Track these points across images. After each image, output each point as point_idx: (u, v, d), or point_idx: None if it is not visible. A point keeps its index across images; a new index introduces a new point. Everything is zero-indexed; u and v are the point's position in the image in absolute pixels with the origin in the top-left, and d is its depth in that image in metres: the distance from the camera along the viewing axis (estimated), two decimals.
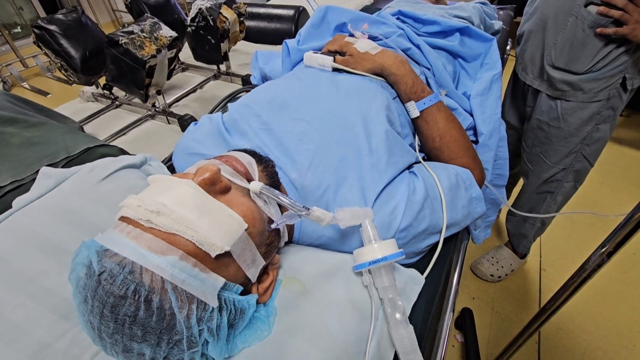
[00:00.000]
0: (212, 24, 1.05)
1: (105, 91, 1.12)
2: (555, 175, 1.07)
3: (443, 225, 0.54)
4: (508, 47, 1.46)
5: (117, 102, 1.13)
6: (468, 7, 1.08)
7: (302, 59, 0.73)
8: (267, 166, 0.45)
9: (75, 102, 1.20)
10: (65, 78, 1.03)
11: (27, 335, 0.37)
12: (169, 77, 1.05)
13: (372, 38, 0.78)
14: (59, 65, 1.01)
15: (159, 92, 1.02)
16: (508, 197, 1.45)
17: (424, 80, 0.76)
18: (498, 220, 1.66)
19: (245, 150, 0.46)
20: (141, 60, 0.85)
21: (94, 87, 1.15)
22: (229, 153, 0.44)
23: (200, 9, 1.04)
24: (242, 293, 0.39)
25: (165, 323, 0.31)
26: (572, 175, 1.05)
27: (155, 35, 0.88)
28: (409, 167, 0.60)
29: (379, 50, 0.67)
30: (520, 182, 1.23)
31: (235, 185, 0.40)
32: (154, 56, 0.86)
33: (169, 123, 1.06)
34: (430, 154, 0.68)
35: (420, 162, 0.63)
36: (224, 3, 1.08)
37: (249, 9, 1.50)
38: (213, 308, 0.33)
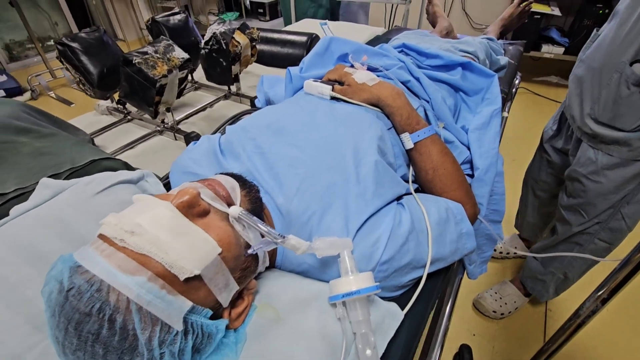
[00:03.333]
0: (224, 47, 1.10)
1: (119, 105, 1.17)
2: (588, 229, 1.00)
3: (427, 260, 0.53)
4: (517, 81, 1.47)
5: (129, 117, 1.18)
6: (474, 42, 1.10)
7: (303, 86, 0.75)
8: (250, 191, 0.46)
9: (90, 114, 1.25)
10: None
11: (3, 346, 0.38)
12: (180, 95, 1.09)
13: (373, 69, 0.81)
14: (78, 79, 1.07)
15: (168, 110, 1.05)
16: (538, 240, 1.42)
17: (423, 112, 0.77)
18: (503, 255, 1.61)
19: (231, 175, 0.48)
20: (152, 80, 0.89)
21: (109, 101, 1.20)
22: (214, 176, 0.46)
23: (214, 33, 1.09)
24: (213, 317, 0.39)
25: (128, 343, 0.31)
26: (606, 233, 0.98)
27: (168, 56, 0.92)
28: (399, 198, 0.60)
29: (376, 82, 0.69)
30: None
31: (214, 209, 0.40)
32: (164, 76, 0.90)
33: (176, 139, 1.09)
34: (423, 186, 0.68)
35: (411, 193, 0.63)
36: (238, 28, 1.13)
37: (264, 34, 1.56)
38: (177, 331, 0.34)
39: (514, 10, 1.41)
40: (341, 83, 0.72)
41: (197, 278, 0.35)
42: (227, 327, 0.41)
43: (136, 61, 0.88)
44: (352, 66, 0.78)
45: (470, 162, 0.77)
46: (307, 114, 0.65)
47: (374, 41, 1.75)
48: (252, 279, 0.45)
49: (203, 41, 1.12)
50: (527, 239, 1.54)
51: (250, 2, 3.87)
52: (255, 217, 0.42)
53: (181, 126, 1.15)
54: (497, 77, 1.01)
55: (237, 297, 0.44)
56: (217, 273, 0.37)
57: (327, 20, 2.06)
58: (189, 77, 1.37)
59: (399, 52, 0.96)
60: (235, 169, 0.57)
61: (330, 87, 0.70)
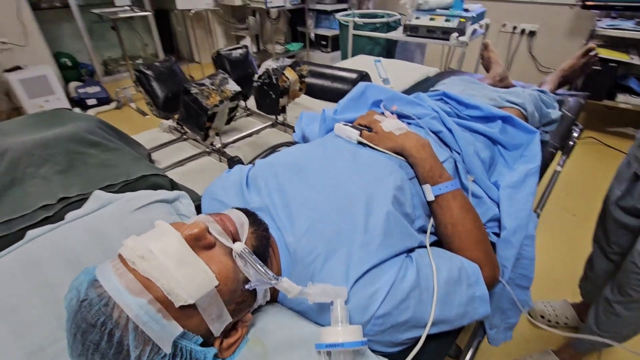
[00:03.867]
0: (274, 82, 1.19)
1: (178, 126, 1.31)
2: None
3: (429, 321, 0.52)
4: (575, 134, 1.37)
5: (185, 137, 1.31)
6: (523, 94, 1.07)
7: None
8: (258, 229, 0.50)
9: (155, 130, 1.41)
10: None
11: (31, 336, 0.45)
12: (229, 122, 1.19)
13: (405, 117, 0.82)
14: (147, 101, 1.22)
15: (217, 134, 1.16)
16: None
17: (452, 164, 0.76)
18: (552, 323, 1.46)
19: (244, 211, 0.52)
20: (205, 108, 0.99)
21: (170, 121, 1.34)
22: (227, 211, 0.50)
23: (267, 68, 1.19)
24: (204, 344, 0.42)
25: (121, 357, 0.35)
26: None
27: (221, 88, 1.03)
28: (412, 250, 0.60)
29: (403, 131, 0.70)
30: None
31: (219, 243, 0.44)
32: (216, 105, 1.00)
33: (220, 161, 1.18)
34: (442, 241, 0.67)
35: (425, 247, 0.62)
36: (289, 65, 1.22)
37: (317, 69, 1.65)
38: (166, 354, 0.37)
39: (575, 62, 1.34)
40: (370, 129, 0.74)
41: (192, 307, 0.39)
42: (217, 356, 0.44)
43: (193, 91, 0.99)
44: (383, 113, 0.81)
45: (498, 220, 0.74)
46: (329, 156, 0.68)
47: (425, 82, 1.76)
48: (248, 312, 0.48)
49: (257, 75, 1.22)
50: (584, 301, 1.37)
51: (315, 34, 4.11)
52: (255, 256, 0.45)
53: (228, 149, 1.24)
54: (545, 132, 0.97)
55: (232, 328, 0.47)
56: (211, 304, 0.41)
57: (381, 58, 2.13)
58: (242, 104, 1.50)
59: (438, 99, 0.97)
60: (256, 202, 0.61)
61: (358, 132, 0.72)
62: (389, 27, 2.43)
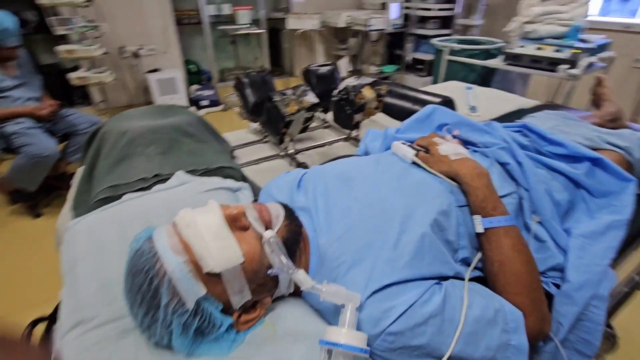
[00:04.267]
0: (351, 98, 1.24)
1: (261, 129, 1.46)
2: None
3: (447, 354, 0.49)
4: None
5: (266, 139, 1.45)
6: (632, 137, 0.93)
7: None
8: (291, 223, 0.54)
9: (243, 130, 1.59)
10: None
11: (106, 271, 0.56)
12: (304, 130, 1.29)
13: (471, 145, 0.79)
14: (241, 104, 1.39)
15: (291, 140, 1.26)
16: None
17: (516, 200, 0.70)
18: None
19: (283, 206, 0.57)
20: (283, 115, 1.10)
21: (257, 124, 1.50)
22: (268, 203, 0.56)
23: (347, 85, 1.26)
24: (223, 313, 0.47)
25: (154, 302, 0.43)
26: None
27: (301, 99, 1.12)
28: (445, 278, 0.57)
29: (461, 157, 0.68)
30: None
31: (253, 228, 0.50)
32: (293, 114, 1.10)
33: (290, 165, 1.28)
34: (487, 278, 0.62)
35: (462, 279, 0.59)
36: (368, 84, 1.26)
37: (399, 89, 1.66)
38: (188, 309, 0.44)
39: None
40: (428, 151, 0.73)
41: (217, 276, 0.45)
42: (232, 326, 0.49)
43: (276, 99, 1.10)
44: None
45: (562, 270, 0.65)
46: (378, 172, 0.69)
47: (516, 113, 1.62)
48: (268, 296, 0.52)
49: (336, 90, 1.29)
50: None
51: (413, 58, 4.10)
52: (282, 246, 0.49)
53: (299, 155, 1.34)
54: None
55: (251, 307, 0.51)
56: (234, 278, 0.46)
57: (474, 86, 2.03)
58: (322, 116, 1.59)
59: (516, 131, 0.90)
60: (301, 202, 0.66)
61: (414, 152, 0.72)
62: (488, 54, 2.31)
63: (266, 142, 1.46)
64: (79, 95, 3.50)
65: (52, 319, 0.62)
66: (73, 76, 2.62)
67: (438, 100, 1.59)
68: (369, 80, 1.28)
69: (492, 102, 1.84)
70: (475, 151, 0.78)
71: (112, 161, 0.99)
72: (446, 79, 2.32)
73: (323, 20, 3.99)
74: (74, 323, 0.52)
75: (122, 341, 0.48)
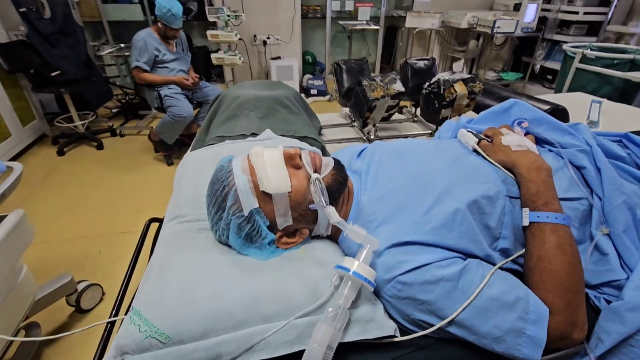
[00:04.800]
0: (441, 92, 1.25)
1: (350, 114, 1.57)
2: None
3: (450, 317, 0.52)
4: None
5: (353, 124, 1.55)
6: None
7: None
8: (338, 175, 0.63)
9: (335, 114, 1.73)
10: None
11: (197, 189, 0.75)
12: (387, 119, 1.34)
13: (547, 143, 0.75)
14: (335, 89, 1.52)
15: (374, 125, 1.33)
16: None
17: (586, 207, 0.66)
18: None
19: (335, 160, 0.66)
20: (368, 99, 1.18)
21: (348, 109, 1.62)
22: (324, 156, 0.66)
23: (439, 79, 1.27)
24: (270, 229, 0.60)
25: (223, 204, 0.58)
26: None
27: (388, 86, 1.19)
28: (473, 256, 0.59)
29: (522, 149, 0.67)
30: None
31: (304, 169, 0.61)
32: (377, 99, 1.17)
33: None
34: (524, 272, 0.61)
35: (494, 265, 0.59)
36: (462, 80, 1.25)
37: (497, 90, 1.56)
38: (244, 215, 0.57)
39: None
40: (492, 140, 0.73)
41: (269, 196, 0.58)
42: (273, 242, 0.61)
43: (364, 83, 1.19)
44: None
45: (619, 289, 0.59)
46: (435, 152, 0.73)
47: None
48: (307, 228, 0.63)
49: (428, 83, 1.31)
50: None
51: (541, 67, 3.66)
52: (324, 188, 0.59)
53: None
54: None
55: (292, 233, 0.63)
56: (281, 202, 0.58)
57: (603, 100, 1.77)
58: (412, 110, 1.61)
59: (616, 141, 0.80)
60: (357, 166, 0.75)
61: (477, 140, 0.73)
62: (634, 65, 1.93)
63: (352, 126, 1.56)
64: (216, 73, 4.18)
65: (162, 220, 0.85)
66: (214, 56, 3.16)
67: (547, 107, 1.46)
68: (465, 75, 1.27)
69: (621, 119, 1.58)
70: (550, 150, 0.74)
71: (224, 118, 1.23)
72: (571, 90, 2.04)
73: (444, 20, 3.86)
74: (173, 217, 0.73)
75: (200, 234, 0.66)
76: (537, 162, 0.64)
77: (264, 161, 0.59)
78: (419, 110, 1.62)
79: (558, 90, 2.30)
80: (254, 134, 1.11)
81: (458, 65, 4.03)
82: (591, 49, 2.07)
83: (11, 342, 1.19)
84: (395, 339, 0.54)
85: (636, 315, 0.55)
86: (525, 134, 0.75)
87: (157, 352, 0.47)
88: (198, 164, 0.84)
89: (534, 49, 3.63)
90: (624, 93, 2.04)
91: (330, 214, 0.57)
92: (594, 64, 2.04)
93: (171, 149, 2.65)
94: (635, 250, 0.62)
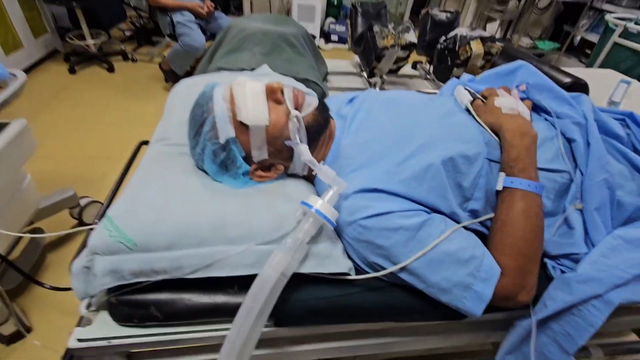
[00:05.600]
0: (456, 49, 1.18)
1: (360, 60, 1.50)
2: None
3: (403, 263, 0.54)
4: None
5: (361, 74, 1.50)
6: None
7: None
8: (320, 114, 0.63)
9: (346, 61, 1.65)
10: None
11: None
12: (396, 71, 1.29)
13: (543, 110, 0.72)
14: (348, 33, 1.45)
15: (381, 76, 1.28)
16: None
17: (566, 181, 0.65)
18: None
19: (322, 101, 0.65)
20: (376, 47, 1.13)
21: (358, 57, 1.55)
22: (308, 93, 0.65)
23: (456, 34, 1.19)
24: (245, 160, 0.61)
25: (201, 129, 0.59)
26: None
27: (400, 35, 1.13)
28: (440, 212, 0.60)
29: (513, 112, 0.65)
30: None
31: (285, 105, 0.61)
32: (386, 48, 1.12)
33: None
34: (488, 234, 0.62)
35: (458, 224, 0.60)
36: (480, 37, 1.17)
37: (517, 54, 1.47)
38: (219, 142, 0.59)
39: None
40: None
41: (246, 127, 0.58)
42: (247, 173, 0.63)
43: (375, 30, 1.13)
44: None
45: (577, 262, 0.61)
46: (426, 106, 0.71)
47: None
48: (282, 163, 0.64)
49: (443, 38, 1.23)
50: None
51: (582, 38, 3.38)
52: (302, 127, 0.59)
53: None
54: None
55: (268, 168, 0.64)
56: (258, 135, 0.59)
57: (633, 81, 1.65)
58: (427, 67, 1.54)
59: (619, 119, 0.77)
60: (345, 111, 0.74)
61: (470, 99, 0.71)
62: None
63: (361, 76, 1.51)
64: (235, 5, 3.97)
65: None
66: None
67: (568, 80, 1.38)
68: (485, 34, 1.19)
69: None
70: (546, 119, 0.72)
71: (227, 50, 1.19)
72: (603, 66, 1.90)
73: None
74: (159, 138, 0.74)
75: (180, 158, 0.68)
76: (523, 127, 0.62)
77: (245, 91, 0.59)
78: (432, 68, 1.55)
79: (590, 64, 2.14)
80: (253, 70, 1.08)
81: (492, 27, 3.74)
82: (636, 23, 1.88)
83: (17, 241, 1.30)
84: (349, 277, 0.57)
85: (584, 287, 0.57)
86: (524, 99, 0.72)
87: (124, 256, 0.51)
88: (191, 91, 0.84)
89: (578, 18, 3.32)
90: None
91: (302, 152, 0.57)
92: (635, 39, 1.87)
93: (181, 80, 2.62)
94: (604, 229, 0.62)
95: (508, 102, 0.66)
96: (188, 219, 0.54)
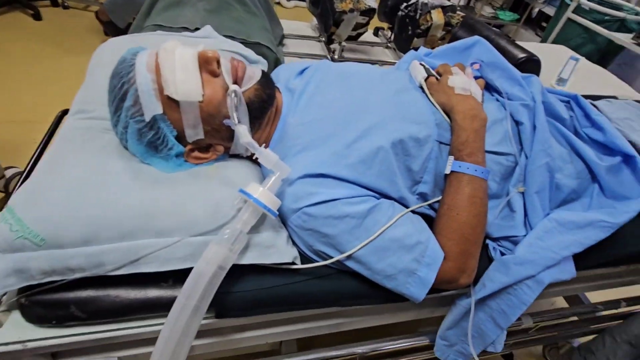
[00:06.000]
0: (417, 17, 1.13)
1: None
2: None
3: (348, 252, 0.53)
4: None
5: (321, 39, 1.41)
6: None
7: None
8: (264, 89, 0.57)
9: (305, 24, 1.54)
10: None
11: None
12: (356, 38, 1.22)
13: (494, 90, 0.71)
14: None
15: (340, 43, 1.21)
16: None
17: (511, 164, 0.65)
18: None
19: (266, 74, 0.59)
20: (334, 10, 1.04)
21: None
22: (250, 65, 0.58)
23: (417, 1, 1.13)
24: (178, 141, 0.55)
25: (122, 104, 0.51)
26: None
27: None
28: (389, 198, 0.58)
29: (466, 93, 0.63)
30: None
31: (223, 78, 0.54)
32: (344, 12, 1.04)
33: None
34: (435, 217, 0.62)
35: (406, 208, 0.59)
36: (443, 7, 1.12)
37: (478, 26, 1.45)
38: (144, 120, 0.51)
39: None
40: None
41: (176, 103, 0.51)
42: (181, 155, 0.56)
43: None
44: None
45: (516, 244, 0.63)
46: (379, 82, 0.67)
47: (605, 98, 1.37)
48: (221, 144, 0.58)
49: (404, 4, 1.17)
50: None
51: (540, 11, 3.43)
52: (243, 104, 0.53)
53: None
54: None
55: (206, 149, 0.58)
56: (191, 112, 0.52)
57: (581, 58, 1.71)
58: (388, 34, 1.47)
59: (565, 101, 0.78)
60: (294, 84, 0.68)
61: (425, 75, 0.67)
62: (622, 25, 1.84)
63: (320, 41, 1.41)
64: None
65: None
66: None
67: (522, 55, 1.38)
68: (446, 2, 1.14)
69: (590, 82, 1.56)
70: (497, 100, 0.71)
71: (166, 4, 1.05)
72: (556, 42, 1.95)
73: None
74: (77, 110, 0.64)
75: (103, 135, 0.59)
76: (474, 110, 0.61)
77: (174, 60, 0.51)
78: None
79: (545, 39, 2.19)
80: (197, 29, 0.96)
81: None
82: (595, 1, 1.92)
83: None
84: (294, 267, 0.55)
85: (520, 269, 0.59)
86: (478, 78, 0.71)
87: (31, 253, 0.44)
88: (117, 53, 0.72)
89: None
90: (605, 54, 1.99)
91: (240, 133, 0.51)
92: (586, 16, 1.92)
93: (123, 33, 2.34)
94: (542, 212, 0.64)
95: (461, 82, 0.64)
96: (107, 210, 0.47)
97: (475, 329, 0.64)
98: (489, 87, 0.72)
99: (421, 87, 0.67)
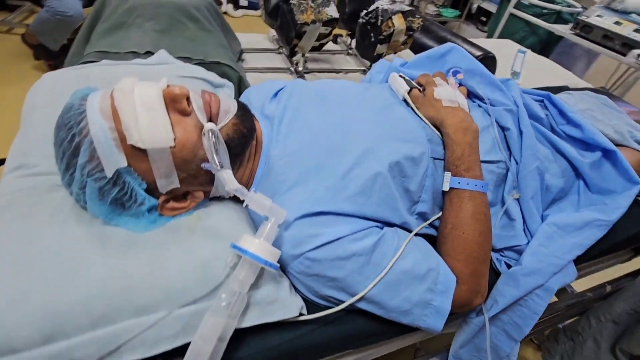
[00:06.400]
0: (378, 24, 1.11)
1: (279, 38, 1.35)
2: None
3: (360, 294, 0.48)
4: None
5: (280, 51, 1.35)
6: None
7: None
8: (242, 124, 0.50)
9: (262, 36, 1.48)
10: None
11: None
12: (319, 49, 1.18)
13: (477, 97, 0.70)
14: (263, 4, 1.27)
15: (303, 55, 1.16)
16: None
17: (502, 171, 0.64)
18: None
19: (242, 106, 0.52)
20: (295, 22, 0.99)
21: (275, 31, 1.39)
22: (223, 96, 0.51)
23: (377, 7, 1.11)
24: (148, 193, 0.46)
25: (74, 160, 0.42)
26: None
27: (319, 9, 1.01)
28: (391, 225, 0.54)
29: (454, 105, 0.60)
30: None
31: (195, 116, 0.46)
32: (307, 24, 0.99)
33: None
34: (438, 239, 0.59)
35: (409, 233, 0.55)
36: (403, 12, 1.11)
37: (435, 29, 1.48)
38: (106, 176, 0.42)
39: None
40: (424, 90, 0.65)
41: (143, 152, 0.43)
42: (156, 209, 0.48)
43: (292, 2, 0.99)
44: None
45: (520, 253, 0.62)
46: (361, 99, 0.63)
47: (559, 90, 1.45)
48: (200, 190, 0.51)
49: (365, 11, 1.15)
50: None
51: (479, 7, 3.63)
52: (221, 143, 0.46)
53: (309, 75, 1.25)
54: None
55: (183, 197, 0.50)
56: (161, 160, 0.44)
57: (527, 50, 1.80)
58: (348, 42, 1.45)
59: (538, 100, 0.79)
60: (270, 110, 0.62)
61: (408, 88, 0.64)
62: (559, 18, 1.98)
63: (280, 53, 1.36)
64: None
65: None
66: None
67: (479, 53, 1.42)
68: (405, 8, 1.13)
69: (540, 73, 1.64)
70: (479, 106, 0.70)
71: (108, 26, 0.94)
72: (502, 37, 2.05)
73: None
74: (16, 166, 0.53)
75: (52, 194, 0.49)
76: (465, 122, 0.59)
77: (134, 101, 0.43)
78: (354, 41, 1.47)
79: (490, 34, 2.31)
80: (148, 53, 0.87)
81: None
82: None
83: None
84: (301, 318, 0.49)
85: (529, 280, 0.58)
86: (459, 86, 0.69)
87: None
88: (55, 90, 0.62)
89: None
90: (546, 45, 2.13)
91: (225, 180, 0.45)
92: (527, 11, 2.04)
93: (58, 56, 2.11)
94: (538, 216, 0.63)
95: (448, 93, 0.61)
96: (71, 292, 0.38)
97: (491, 346, 0.62)
98: (469, 94, 0.71)
99: (405, 101, 0.64)
